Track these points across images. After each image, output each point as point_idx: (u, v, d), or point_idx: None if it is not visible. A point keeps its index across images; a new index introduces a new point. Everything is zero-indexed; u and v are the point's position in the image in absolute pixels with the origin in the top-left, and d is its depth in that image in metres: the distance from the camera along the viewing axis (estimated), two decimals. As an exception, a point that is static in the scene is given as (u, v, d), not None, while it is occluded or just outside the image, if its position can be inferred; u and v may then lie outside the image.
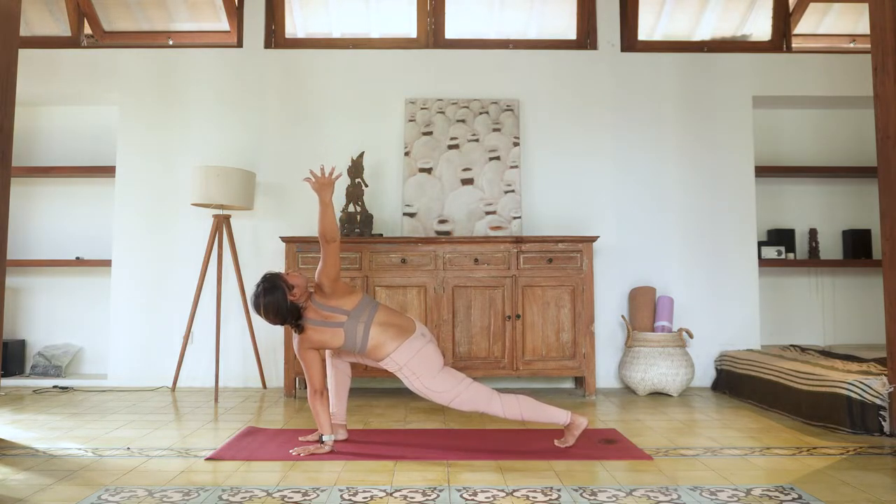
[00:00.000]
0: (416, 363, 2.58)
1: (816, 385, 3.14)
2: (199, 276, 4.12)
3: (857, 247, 4.66)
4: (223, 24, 4.71)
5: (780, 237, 4.67)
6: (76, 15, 4.61)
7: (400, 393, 4.08)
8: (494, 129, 4.42)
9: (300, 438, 2.80)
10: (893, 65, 2.88)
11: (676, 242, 4.45)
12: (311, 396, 2.61)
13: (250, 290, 4.16)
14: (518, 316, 3.92)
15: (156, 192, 4.45)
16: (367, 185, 4.19)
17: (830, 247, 4.79)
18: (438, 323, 3.91)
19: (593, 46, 4.58)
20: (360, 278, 3.92)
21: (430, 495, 2.05)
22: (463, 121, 4.43)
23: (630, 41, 4.60)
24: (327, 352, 2.81)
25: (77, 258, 4.57)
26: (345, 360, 2.85)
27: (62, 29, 4.69)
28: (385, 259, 3.95)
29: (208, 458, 2.50)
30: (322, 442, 2.59)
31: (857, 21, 4.84)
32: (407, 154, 4.40)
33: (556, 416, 2.60)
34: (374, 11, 4.71)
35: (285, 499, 2.02)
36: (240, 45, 4.58)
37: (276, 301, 2.57)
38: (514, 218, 4.30)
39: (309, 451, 2.55)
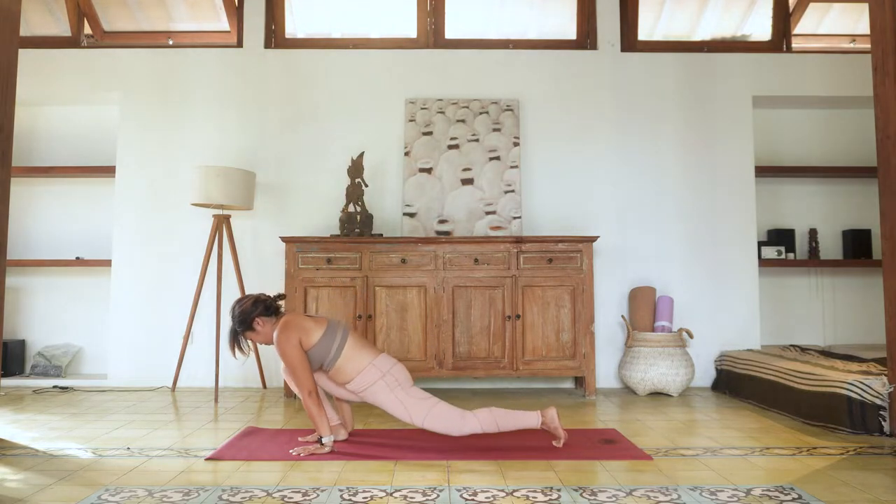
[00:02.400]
0: (397, 372, 2.63)
1: (816, 385, 3.14)
2: (199, 276, 4.12)
3: (857, 247, 4.66)
4: (223, 24, 4.71)
5: (780, 237, 4.67)
6: (76, 15, 4.61)
7: (400, 393, 4.07)
8: (494, 129, 4.42)
9: (300, 438, 2.80)
10: (893, 65, 2.88)
11: (676, 242, 4.45)
12: (305, 399, 2.59)
13: (250, 291, 4.21)
14: (518, 316, 3.92)
15: (156, 192, 4.46)
16: (367, 185, 4.19)
17: (830, 247, 4.79)
18: (438, 323, 3.91)
19: (593, 46, 4.58)
20: (360, 278, 3.92)
21: (430, 495, 2.05)
22: (463, 121, 4.43)
23: (630, 41, 4.60)
24: None
25: (77, 258, 4.57)
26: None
27: (62, 29, 4.69)
28: (385, 259, 3.94)
29: (208, 458, 2.50)
30: (321, 443, 2.58)
31: (857, 21, 4.84)
32: (407, 154, 4.40)
33: (527, 419, 2.61)
34: (374, 11, 4.71)
35: (285, 499, 2.02)
36: (240, 45, 4.58)
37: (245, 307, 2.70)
38: (514, 218, 4.30)
39: (309, 451, 2.55)
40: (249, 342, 2.76)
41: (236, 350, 2.72)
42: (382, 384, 2.59)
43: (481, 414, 2.59)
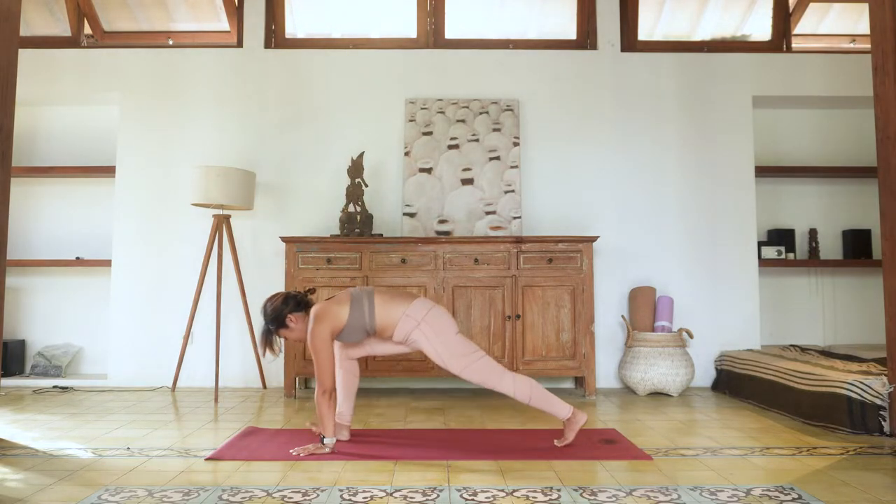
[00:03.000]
0: (434, 318, 2.59)
1: (816, 385, 3.14)
2: (199, 276, 4.12)
3: (857, 247, 4.66)
4: (223, 24, 4.71)
5: (780, 237, 4.67)
6: (76, 15, 4.61)
7: (400, 393, 4.08)
8: (494, 129, 4.42)
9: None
10: (893, 65, 2.88)
11: (676, 242, 4.45)
12: (319, 395, 2.56)
13: (250, 291, 4.22)
14: (518, 316, 3.92)
15: (156, 192, 4.45)
16: (367, 185, 4.19)
17: (830, 247, 4.79)
18: (438, 323, 3.90)
19: (593, 46, 4.58)
20: (360, 278, 3.92)
21: (430, 495, 2.05)
22: (463, 121, 4.43)
23: (630, 41, 4.60)
24: (336, 353, 2.78)
25: (77, 258, 4.57)
26: (353, 359, 2.82)
27: (62, 29, 4.69)
28: (385, 259, 3.95)
29: (208, 458, 2.50)
30: (323, 443, 2.58)
31: (857, 21, 4.84)
32: (407, 154, 4.40)
33: (560, 407, 2.63)
34: (374, 11, 4.71)
35: (285, 499, 2.02)
36: (240, 45, 4.58)
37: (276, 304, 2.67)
38: (514, 218, 4.30)
39: (309, 451, 2.55)
40: (282, 340, 2.71)
41: (267, 350, 2.67)
42: (419, 333, 2.59)
43: (520, 380, 2.61)
